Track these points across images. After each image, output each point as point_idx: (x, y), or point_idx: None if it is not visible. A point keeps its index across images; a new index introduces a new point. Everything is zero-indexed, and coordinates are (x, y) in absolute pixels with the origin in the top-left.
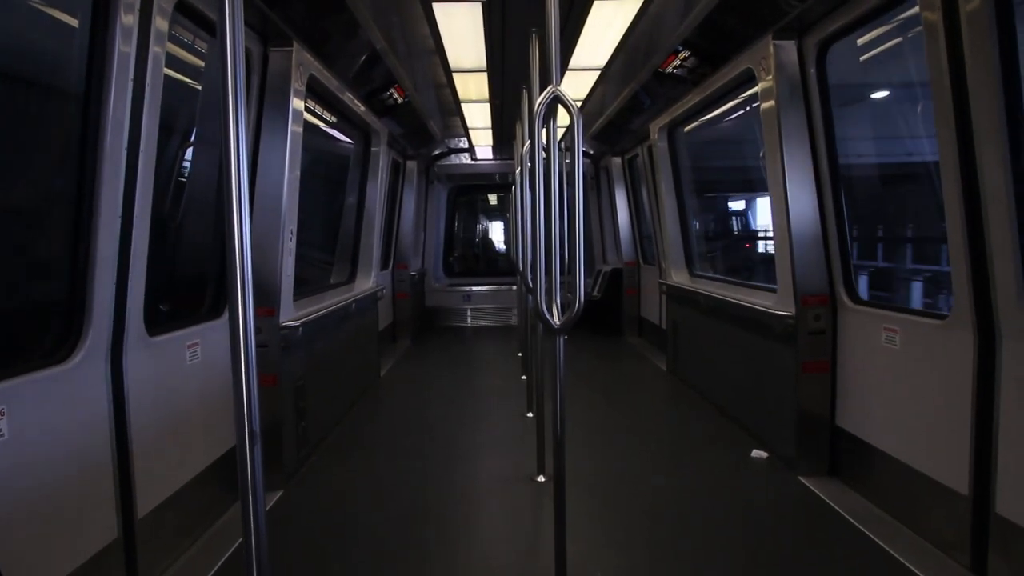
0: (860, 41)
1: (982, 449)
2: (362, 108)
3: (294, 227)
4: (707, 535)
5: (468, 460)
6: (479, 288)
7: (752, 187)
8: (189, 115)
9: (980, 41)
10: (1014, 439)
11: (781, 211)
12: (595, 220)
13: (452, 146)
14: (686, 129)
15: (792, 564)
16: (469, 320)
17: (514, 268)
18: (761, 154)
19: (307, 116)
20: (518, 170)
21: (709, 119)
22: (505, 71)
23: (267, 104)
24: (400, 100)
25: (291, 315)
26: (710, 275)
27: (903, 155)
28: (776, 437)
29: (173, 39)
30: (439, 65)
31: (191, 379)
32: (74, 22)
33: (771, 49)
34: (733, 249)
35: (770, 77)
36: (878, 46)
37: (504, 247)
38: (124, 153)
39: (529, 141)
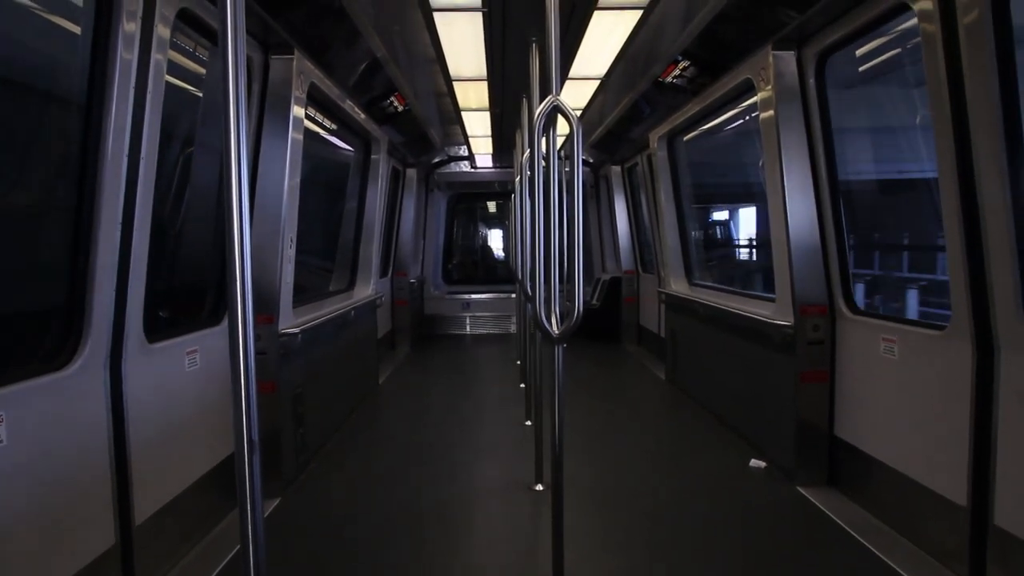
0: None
1: (981, 460)
2: (362, 116)
3: (294, 234)
4: (705, 545)
5: (466, 468)
6: (478, 296)
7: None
8: (190, 122)
9: (978, 52)
10: (1013, 450)
11: (780, 221)
12: (594, 229)
13: (452, 154)
14: (685, 139)
15: (789, 574)
16: (468, 328)
17: (512, 276)
18: (760, 163)
19: (308, 124)
20: (517, 178)
21: (709, 128)
22: (505, 80)
23: (268, 112)
24: (400, 108)
25: (290, 322)
26: (709, 284)
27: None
28: (774, 447)
29: (174, 47)
30: (439, 74)
31: (190, 386)
32: (76, 29)
33: (770, 59)
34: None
35: (769, 87)
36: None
37: (503, 255)
38: (125, 160)
39: (529, 150)
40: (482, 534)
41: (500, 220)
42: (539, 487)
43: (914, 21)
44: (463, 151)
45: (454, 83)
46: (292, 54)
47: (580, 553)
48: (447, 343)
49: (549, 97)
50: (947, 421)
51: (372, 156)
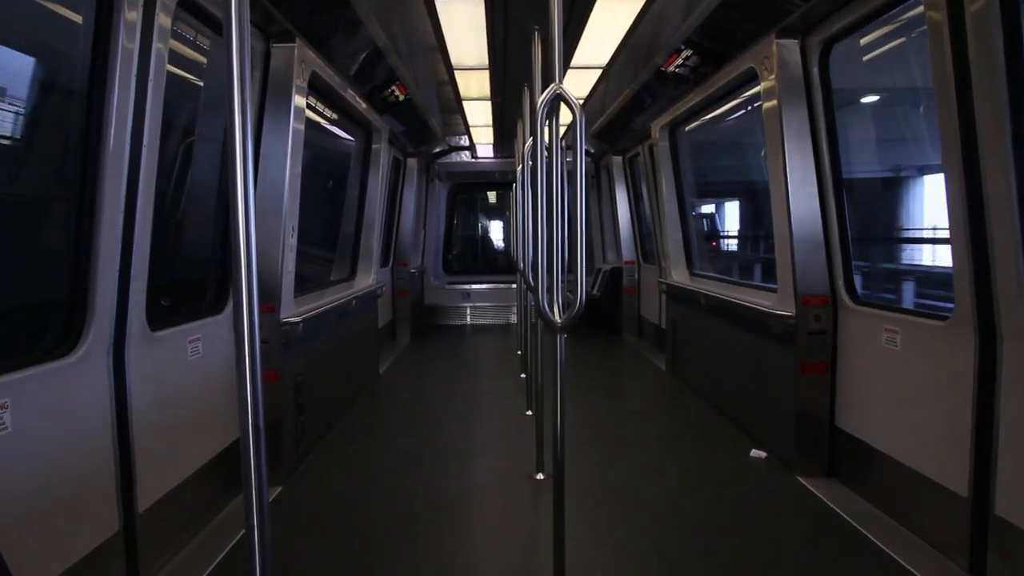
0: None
1: (982, 450)
2: (363, 105)
3: (295, 224)
4: (705, 534)
5: (467, 457)
6: (478, 286)
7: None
8: (191, 111)
9: (985, 40)
10: (1014, 441)
11: (782, 211)
12: (595, 219)
13: (453, 144)
14: (687, 128)
15: (790, 564)
16: (468, 318)
17: (513, 266)
18: (763, 153)
19: (309, 113)
20: (519, 168)
21: (712, 118)
22: (507, 69)
23: (269, 101)
24: (401, 97)
25: (292, 311)
26: (710, 274)
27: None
28: (775, 437)
29: (176, 35)
30: (441, 62)
31: (192, 374)
32: (78, 18)
33: (774, 48)
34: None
35: (772, 76)
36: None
37: (503, 245)
38: (127, 149)
39: (531, 139)
40: (483, 523)
41: (500, 210)
42: (540, 476)
43: (920, 9)
44: (464, 141)
45: (455, 72)
46: (293, 42)
47: (581, 541)
48: (447, 333)
49: (552, 85)
50: (949, 411)
51: (373, 146)
